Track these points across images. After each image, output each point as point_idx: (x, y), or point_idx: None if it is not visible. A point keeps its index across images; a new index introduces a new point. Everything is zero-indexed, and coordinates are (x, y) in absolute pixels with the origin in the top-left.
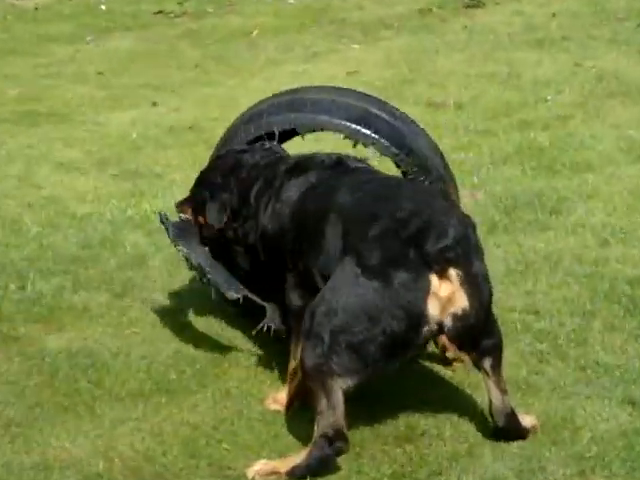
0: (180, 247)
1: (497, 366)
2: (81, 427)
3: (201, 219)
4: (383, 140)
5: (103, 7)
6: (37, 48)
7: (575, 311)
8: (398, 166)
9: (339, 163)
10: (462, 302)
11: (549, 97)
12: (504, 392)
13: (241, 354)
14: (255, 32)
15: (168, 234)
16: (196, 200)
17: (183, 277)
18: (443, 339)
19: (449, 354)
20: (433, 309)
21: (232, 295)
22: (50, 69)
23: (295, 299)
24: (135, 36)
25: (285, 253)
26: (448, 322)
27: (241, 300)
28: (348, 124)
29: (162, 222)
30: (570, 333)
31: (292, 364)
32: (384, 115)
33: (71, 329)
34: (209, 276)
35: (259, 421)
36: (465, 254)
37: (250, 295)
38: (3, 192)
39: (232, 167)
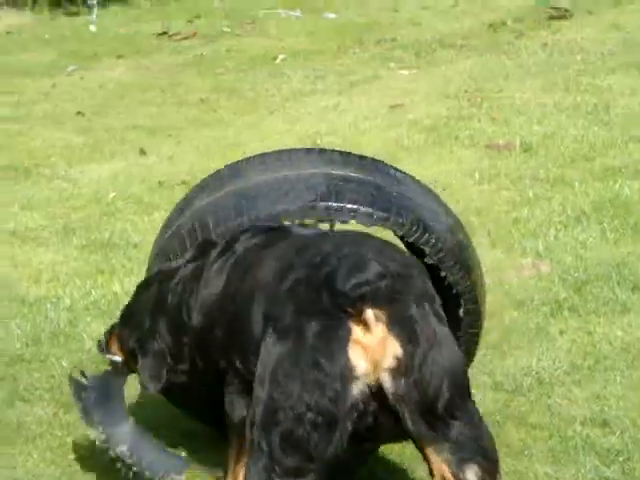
0: (97, 429)
1: None
2: None
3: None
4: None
5: (93, 28)
6: (4, 83)
7: None
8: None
9: (273, 229)
10: (394, 349)
11: None
12: None
13: None
14: (280, 57)
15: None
16: (125, 343)
17: None
18: None
19: None
20: (357, 360)
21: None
22: (18, 110)
23: (237, 407)
24: (128, 65)
25: (218, 353)
26: (385, 379)
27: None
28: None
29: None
30: None
31: None
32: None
33: None
34: (135, 468)
35: None
36: (397, 293)
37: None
38: None
39: (157, 300)
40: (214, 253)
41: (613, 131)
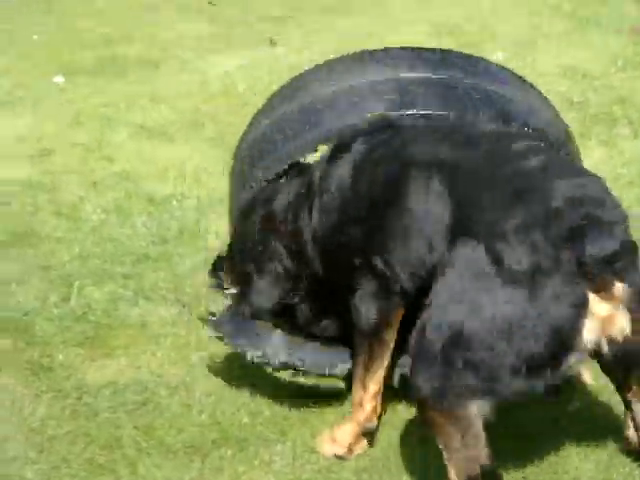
0: (248, 351)
1: None
2: None
3: None
4: None
5: None
6: None
7: None
8: None
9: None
10: (622, 325)
11: None
12: None
13: (338, 387)
14: None
15: (225, 341)
16: (240, 272)
17: None
18: None
19: None
20: (589, 333)
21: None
22: None
23: (367, 310)
24: None
25: (346, 253)
26: (605, 348)
27: None
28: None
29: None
30: None
31: (359, 393)
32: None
33: (122, 354)
34: (303, 368)
35: None
36: (632, 261)
37: None
38: (64, 166)
39: (267, 221)
40: (319, 164)
41: None
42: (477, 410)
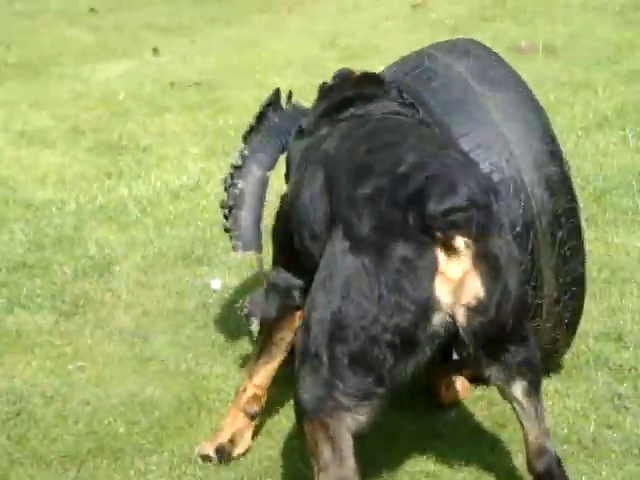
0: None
1: (534, 393)
2: None
3: None
4: None
5: None
6: None
7: None
8: None
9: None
10: (475, 288)
11: None
12: (545, 433)
13: (218, 397)
14: None
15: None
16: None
17: (157, 290)
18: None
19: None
20: (442, 293)
21: (235, 249)
22: (31, 4)
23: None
24: None
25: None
26: (461, 315)
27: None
28: None
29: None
30: None
31: (244, 381)
32: None
33: None
34: (225, 222)
35: None
36: (483, 224)
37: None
38: None
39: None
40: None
41: None
42: (352, 424)
